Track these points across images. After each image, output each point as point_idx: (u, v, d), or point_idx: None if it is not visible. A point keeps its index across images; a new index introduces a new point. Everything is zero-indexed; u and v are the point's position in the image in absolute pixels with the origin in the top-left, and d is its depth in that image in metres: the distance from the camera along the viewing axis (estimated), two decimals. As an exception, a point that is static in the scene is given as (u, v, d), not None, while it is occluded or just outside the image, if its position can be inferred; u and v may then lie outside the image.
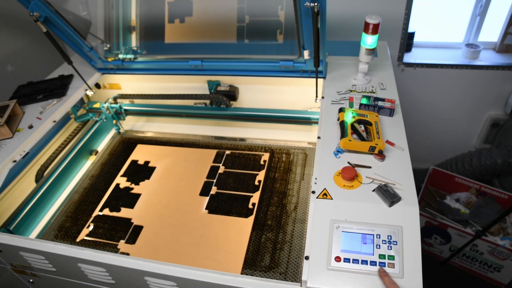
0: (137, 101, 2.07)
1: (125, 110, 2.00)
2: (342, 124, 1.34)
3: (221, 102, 1.91)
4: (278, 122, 1.82)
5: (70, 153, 1.79)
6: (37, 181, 1.67)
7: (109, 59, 1.89)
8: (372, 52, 1.51)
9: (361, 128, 1.35)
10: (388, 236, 1.04)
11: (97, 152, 1.98)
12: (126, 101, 2.05)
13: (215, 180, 1.69)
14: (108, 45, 1.91)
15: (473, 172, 2.55)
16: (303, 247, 1.33)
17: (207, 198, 1.61)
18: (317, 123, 1.64)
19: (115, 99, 1.99)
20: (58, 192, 1.73)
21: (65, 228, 1.57)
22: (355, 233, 1.05)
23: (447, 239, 2.38)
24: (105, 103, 1.96)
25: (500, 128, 2.59)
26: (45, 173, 1.68)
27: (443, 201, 2.53)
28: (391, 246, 1.02)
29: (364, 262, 1.00)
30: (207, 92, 1.92)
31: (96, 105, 1.96)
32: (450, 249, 2.42)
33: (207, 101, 1.96)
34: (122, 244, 1.47)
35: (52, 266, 1.30)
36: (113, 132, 2.09)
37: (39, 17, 1.54)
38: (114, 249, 1.46)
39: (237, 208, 1.55)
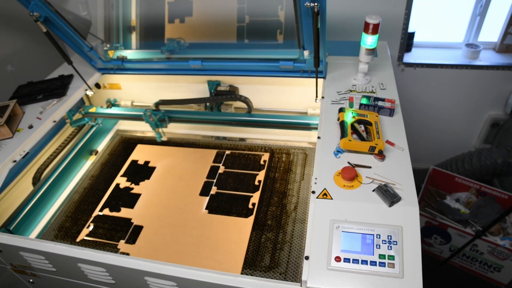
0: (135, 102, 2.08)
1: (169, 117, 1.86)
2: (342, 124, 1.34)
3: (220, 103, 1.93)
4: (278, 128, 1.78)
5: (67, 156, 1.79)
6: (34, 183, 1.66)
7: (110, 57, 1.89)
8: (372, 52, 1.51)
9: (361, 128, 1.35)
10: (388, 236, 1.04)
11: (97, 152, 1.98)
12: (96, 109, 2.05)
13: (215, 180, 1.69)
14: (108, 45, 1.91)
15: (473, 172, 2.55)
16: (303, 247, 1.33)
17: (207, 198, 1.61)
18: (316, 128, 1.62)
19: (157, 105, 1.88)
20: (58, 192, 1.73)
21: (65, 228, 1.57)
22: (355, 233, 1.05)
23: (447, 239, 2.38)
24: (100, 107, 1.93)
25: (500, 128, 2.59)
26: (43, 175, 1.68)
27: (443, 201, 2.53)
28: (391, 246, 1.02)
29: (364, 262, 1.00)
30: (207, 93, 1.92)
31: (92, 110, 1.92)
32: (450, 249, 2.42)
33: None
34: (122, 244, 1.47)
35: (52, 266, 1.30)
36: (112, 132, 2.08)
37: (39, 17, 1.54)
38: (114, 249, 1.46)
39: (237, 208, 1.55)
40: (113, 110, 1.96)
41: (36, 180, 1.67)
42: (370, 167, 1.23)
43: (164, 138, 1.97)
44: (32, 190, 1.62)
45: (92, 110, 1.93)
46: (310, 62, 1.58)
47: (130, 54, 1.90)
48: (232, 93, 1.83)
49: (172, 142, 1.96)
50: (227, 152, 1.84)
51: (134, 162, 1.86)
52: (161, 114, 1.83)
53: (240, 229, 1.46)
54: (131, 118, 1.94)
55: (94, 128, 1.98)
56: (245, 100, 1.78)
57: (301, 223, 1.44)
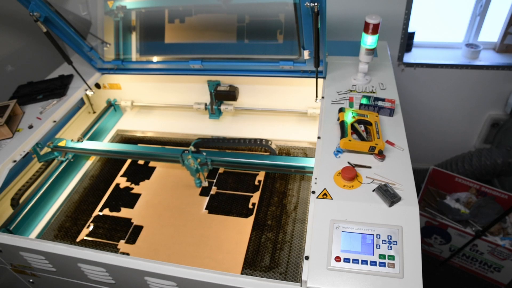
0: (135, 102, 2.08)
1: (212, 160, 1.59)
2: (342, 124, 1.34)
3: (220, 103, 1.93)
4: (279, 171, 1.67)
5: (67, 155, 1.79)
6: (13, 205, 1.56)
7: (109, 59, 1.89)
8: (372, 52, 1.51)
9: (361, 128, 1.35)
10: (388, 236, 1.04)
11: (97, 152, 1.97)
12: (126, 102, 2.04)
13: (215, 180, 1.69)
14: (108, 45, 1.91)
15: (473, 172, 2.55)
16: (303, 247, 1.33)
17: (207, 198, 1.61)
18: (311, 173, 1.44)
19: (196, 145, 1.59)
20: (58, 192, 1.72)
21: (65, 228, 1.57)
22: (355, 233, 1.05)
23: (447, 239, 2.38)
24: (71, 141, 1.73)
25: (500, 128, 2.59)
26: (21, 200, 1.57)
27: (443, 201, 2.53)
28: (391, 246, 1.02)
29: (364, 262, 1.00)
30: (207, 93, 1.92)
31: (62, 143, 1.70)
32: (450, 249, 2.42)
33: (207, 102, 1.96)
34: (122, 244, 1.47)
35: (52, 266, 1.30)
36: (113, 132, 2.08)
37: (39, 17, 1.54)
38: (114, 249, 1.46)
39: (237, 208, 1.55)
40: (86, 145, 1.73)
41: (15, 204, 1.56)
42: (370, 167, 1.23)
43: (204, 184, 1.68)
44: (32, 190, 1.62)
45: (62, 144, 1.71)
46: (310, 62, 1.58)
47: (129, 54, 1.89)
48: (258, 140, 1.65)
49: (172, 142, 1.96)
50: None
51: (134, 162, 1.86)
52: (202, 157, 1.58)
53: (240, 229, 1.46)
54: (108, 154, 1.75)
55: (64, 164, 1.74)
56: (266, 144, 1.62)
57: (301, 223, 1.44)
